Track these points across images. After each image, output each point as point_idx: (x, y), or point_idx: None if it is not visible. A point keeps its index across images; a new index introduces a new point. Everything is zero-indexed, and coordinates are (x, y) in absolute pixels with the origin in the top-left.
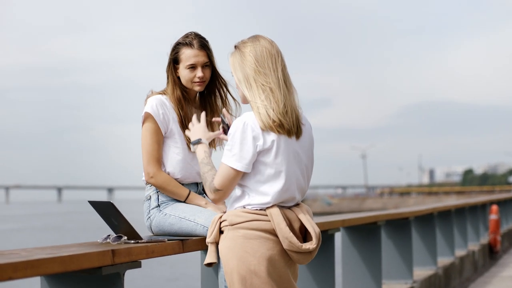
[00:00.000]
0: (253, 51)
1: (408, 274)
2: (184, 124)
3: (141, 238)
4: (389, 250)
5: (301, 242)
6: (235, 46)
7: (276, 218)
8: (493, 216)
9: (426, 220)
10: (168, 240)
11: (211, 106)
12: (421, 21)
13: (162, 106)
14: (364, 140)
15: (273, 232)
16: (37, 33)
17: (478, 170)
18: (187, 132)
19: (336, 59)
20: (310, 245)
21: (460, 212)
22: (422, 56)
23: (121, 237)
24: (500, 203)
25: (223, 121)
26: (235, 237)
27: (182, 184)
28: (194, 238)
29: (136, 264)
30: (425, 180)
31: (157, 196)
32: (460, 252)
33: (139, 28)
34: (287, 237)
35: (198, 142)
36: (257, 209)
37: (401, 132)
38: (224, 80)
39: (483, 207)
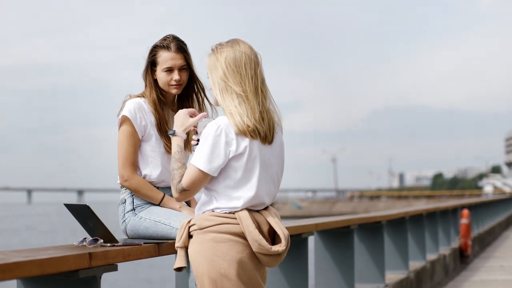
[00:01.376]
0: (231, 55)
1: (380, 277)
2: (161, 127)
3: (117, 241)
4: (362, 254)
5: (270, 245)
6: (212, 49)
7: (245, 221)
8: (464, 221)
9: (398, 224)
10: (144, 243)
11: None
12: (394, 26)
13: (140, 110)
14: (335, 143)
15: (242, 235)
16: (10, 35)
17: (448, 174)
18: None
19: (307, 62)
20: (279, 247)
21: (432, 216)
22: (393, 61)
23: (97, 240)
24: (471, 207)
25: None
26: (205, 240)
27: (158, 188)
28: (169, 241)
29: (113, 267)
30: (395, 184)
31: (132, 200)
32: (431, 256)
33: (113, 31)
34: (257, 239)
35: (173, 134)
36: (226, 213)
37: (371, 136)
38: (201, 84)
39: (454, 212)
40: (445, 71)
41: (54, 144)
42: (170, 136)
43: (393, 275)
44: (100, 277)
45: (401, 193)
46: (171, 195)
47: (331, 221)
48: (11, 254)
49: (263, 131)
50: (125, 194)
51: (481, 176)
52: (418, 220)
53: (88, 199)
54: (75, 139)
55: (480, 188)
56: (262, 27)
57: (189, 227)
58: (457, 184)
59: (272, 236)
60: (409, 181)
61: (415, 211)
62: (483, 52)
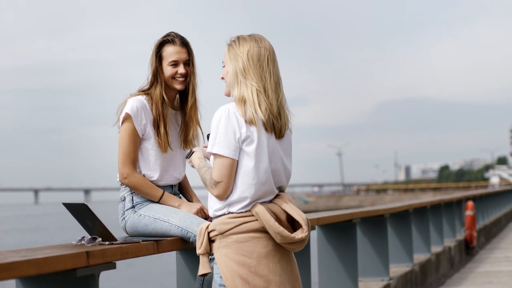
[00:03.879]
0: (255, 50)
1: (384, 271)
2: (158, 124)
3: (115, 240)
4: (365, 248)
5: (290, 232)
6: (234, 40)
7: (263, 216)
8: (469, 212)
9: (402, 217)
10: (142, 241)
11: (187, 107)
12: (397, 19)
13: (143, 108)
14: (340, 138)
15: (263, 230)
16: (14, 35)
17: (454, 166)
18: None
19: (312, 57)
20: (302, 233)
21: (436, 208)
22: (397, 54)
23: (95, 238)
24: (476, 199)
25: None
26: (229, 243)
27: (158, 186)
28: (168, 238)
29: (111, 265)
30: (401, 177)
31: (131, 197)
32: (436, 249)
33: (115, 30)
34: (279, 232)
35: (190, 153)
36: (242, 212)
37: (377, 129)
38: (194, 84)
39: (458, 203)
40: (450, 63)
41: (60, 144)
42: (187, 158)
43: (397, 268)
44: (99, 275)
45: (408, 186)
46: (171, 193)
47: (333, 215)
48: (8, 254)
49: (278, 126)
50: (124, 192)
51: (487, 168)
52: (422, 212)
53: (94, 198)
54: (81, 138)
55: (486, 179)
56: (267, 23)
57: (208, 233)
58: (463, 176)
59: (291, 222)
60: (415, 174)
61: (419, 203)
62: (488, 43)
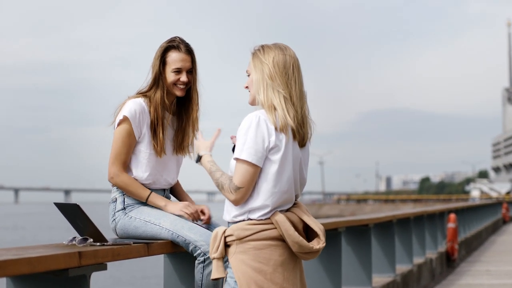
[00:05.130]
0: (281, 58)
1: (367, 280)
2: (155, 128)
3: (106, 241)
4: (349, 257)
5: (307, 242)
6: (258, 49)
7: (283, 225)
8: (451, 225)
9: (386, 227)
10: (133, 243)
11: (187, 113)
12: (384, 29)
13: (141, 111)
14: (322, 146)
15: (280, 238)
16: None
17: (435, 178)
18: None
19: None
20: (319, 244)
21: (419, 220)
22: (382, 64)
23: (87, 239)
24: (458, 211)
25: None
26: (246, 249)
27: (150, 189)
28: (159, 241)
29: (102, 267)
30: (382, 187)
31: (123, 199)
32: (418, 260)
33: (100, 31)
34: (297, 241)
35: (199, 158)
36: (262, 219)
37: (359, 139)
38: (197, 91)
39: (441, 216)
40: (433, 74)
41: (42, 144)
42: (197, 163)
43: (380, 278)
44: (90, 276)
45: (388, 196)
46: (162, 195)
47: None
48: (0, 252)
49: (302, 134)
50: (116, 193)
51: (468, 181)
52: (405, 223)
53: (75, 199)
54: (62, 138)
55: (467, 192)
56: (251, 29)
57: (225, 237)
58: (444, 188)
59: (306, 232)
60: (396, 184)
61: (403, 214)
62: (473, 56)
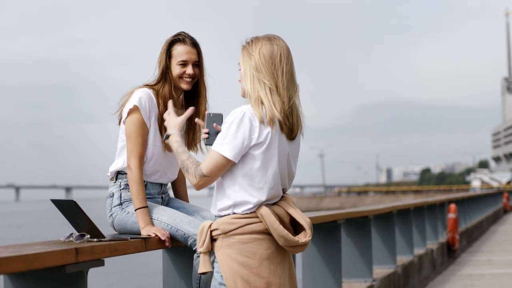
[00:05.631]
0: (268, 48)
1: (367, 272)
2: (162, 123)
3: (104, 237)
4: (349, 249)
5: (293, 235)
6: (248, 41)
7: (268, 219)
8: (451, 215)
9: (386, 218)
10: (131, 238)
11: (195, 108)
12: (383, 23)
13: (149, 99)
14: (323, 139)
15: (266, 232)
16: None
17: (436, 169)
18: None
19: (296, 58)
20: (305, 237)
21: (419, 211)
22: (382, 57)
23: (84, 235)
24: (458, 202)
25: (208, 116)
26: (232, 243)
27: (150, 183)
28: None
29: (100, 263)
30: (383, 179)
31: (119, 194)
32: (419, 251)
33: (100, 28)
34: (283, 235)
35: (167, 137)
36: (247, 213)
37: (359, 131)
38: (205, 85)
39: (441, 206)
40: (432, 67)
41: (42, 141)
42: (165, 141)
43: (381, 270)
44: (87, 272)
45: (389, 188)
46: (158, 193)
47: (318, 215)
48: None
49: (289, 125)
50: (113, 188)
51: (469, 171)
52: (405, 214)
53: (76, 196)
54: (63, 136)
55: (467, 183)
56: (251, 25)
57: (211, 231)
58: (444, 179)
59: (293, 225)
60: (397, 176)
61: (403, 205)
62: (473, 48)
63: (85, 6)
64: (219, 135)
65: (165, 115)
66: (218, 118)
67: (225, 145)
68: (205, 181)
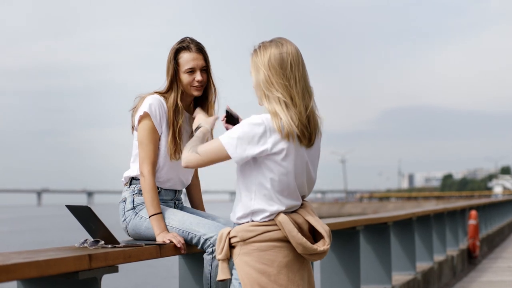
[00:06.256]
0: (277, 57)
1: (387, 279)
2: (174, 130)
3: (118, 243)
4: (368, 255)
5: (311, 243)
6: (256, 49)
7: (287, 227)
8: (472, 221)
9: (405, 225)
10: (145, 244)
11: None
12: (402, 27)
13: (160, 106)
14: (344, 145)
15: (285, 239)
16: (17, 36)
17: (457, 175)
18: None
19: (316, 64)
20: (324, 245)
21: (439, 217)
22: (402, 62)
23: (98, 241)
24: (479, 208)
25: (228, 112)
26: (250, 251)
27: (164, 189)
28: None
29: (113, 269)
30: (405, 185)
31: (132, 199)
32: (439, 257)
33: (119, 33)
34: (301, 243)
35: (197, 129)
36: (265, 221)
37: (381, 137)
38: (215, 88)
39: (462, 212)
40: (454, 71)
41: (64, 146)
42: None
43: (400, 276)
44: (101, 279)
45: (411, 194)
46: (172, 199)
47: (336, 222)
48: (10, 256)
49: (308, 135)
50: (126, 193)
51: (491, 177)
52: (425, 221)
53: (97, 201)
54: (84, 140)
55: (489, 189)
56: (271, 30)
57: (229, 239)
58: (466, 185)
59: (312, 233)
60: (419, 182)
61: (423, 211)
62: (493, 52)
63: (105, 10)
64: (234, 128)
65: (195, 114)
66: (234, 120)
67: (230, 140)
68: (194, 158)
